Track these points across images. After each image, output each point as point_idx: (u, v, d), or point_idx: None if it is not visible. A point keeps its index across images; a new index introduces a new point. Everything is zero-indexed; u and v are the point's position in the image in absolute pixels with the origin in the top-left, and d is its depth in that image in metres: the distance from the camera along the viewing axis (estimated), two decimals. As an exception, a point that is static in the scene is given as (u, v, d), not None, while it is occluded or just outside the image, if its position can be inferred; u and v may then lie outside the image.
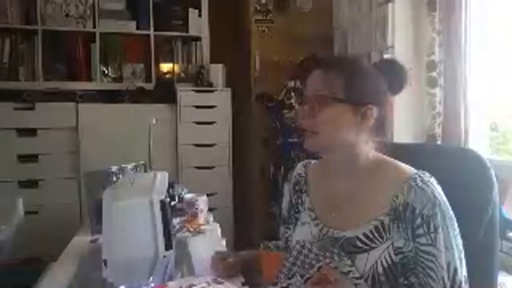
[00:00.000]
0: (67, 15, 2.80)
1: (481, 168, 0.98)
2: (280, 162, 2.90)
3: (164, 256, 0.96)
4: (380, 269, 0.87)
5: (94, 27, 2.84)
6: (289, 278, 0.97)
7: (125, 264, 0.96)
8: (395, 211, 0.88)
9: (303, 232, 1.00)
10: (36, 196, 2.54)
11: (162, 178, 1.09)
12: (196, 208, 1.74)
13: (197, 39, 3.06)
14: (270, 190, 2.99)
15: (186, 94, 2.83)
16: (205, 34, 3.06)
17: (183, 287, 1.06)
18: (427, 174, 0.89)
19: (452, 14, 2.00)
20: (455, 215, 0.87)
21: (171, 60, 3.04)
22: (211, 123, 2.88)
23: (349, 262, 0.89)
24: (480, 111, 2.03)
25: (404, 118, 2.14)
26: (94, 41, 2.84)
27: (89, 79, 2.86)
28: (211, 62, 3.04)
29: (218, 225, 1.78)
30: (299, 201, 1.07)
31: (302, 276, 0.95)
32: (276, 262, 1.01)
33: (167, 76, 3.01)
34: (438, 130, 2.09)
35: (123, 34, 2.93)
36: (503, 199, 1.57)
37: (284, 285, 0.98)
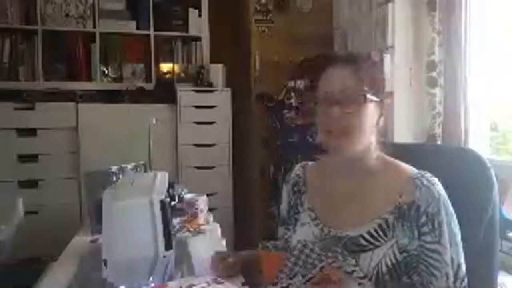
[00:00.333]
0: (67, 15, 2.80)
1: (481, 168, 0.98)
2: (280, 162, 2.90)
3: (164, 256, 0.96)
4: (384, 268, 0.87)
5: (94, 27, 2.84)
6: (291, 278, 0.97)
7: (125, 264, 0.96)
8: (400, 210, 0.88)
9: (303, 233, 1.00)
10: (36, 196, 2.54)
11: (162, 178, 1.09)
12: (196, 208, 1.74)
13: (197, 39, 3.06)
14: (270, 190, 2.99)
15: (186, 94, 2.83)
16: (205, 34, 3.06)
17: (183, 287, 1.06)
18: (430, 175, 0.90)
19: (452, 14, 2.00)
20: (455, 215, 0.88)
21: (171, 60, 3.04)
22: (211, 123, 2.88)
23: (353, 261, 0.89)
24: (480, 111, 2.03)
25: (404, 118, 2.14)
26: (94, 41, 2.84)
27: (89, 79, 2.86)
28: (211, 62, 3.04)
29: (218, 225, 1.78)
30: (298, 201, 1.07)
31: (304, 276, 0.95)
32: (276, 262, 1.01)
33: (167, 76, 3.01)
34: (438, 130, 2.09)
35: (123, 34, 2.93)
36: (503, 199, 1.57)
37: (284, 285, 0.98)
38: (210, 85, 2.92)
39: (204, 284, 1.08)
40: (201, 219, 1.74)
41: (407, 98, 2.16)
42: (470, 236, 0.90)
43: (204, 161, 2.86)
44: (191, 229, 1.66)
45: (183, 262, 1.30)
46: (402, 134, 2.11)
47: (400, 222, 0.88)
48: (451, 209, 0.87)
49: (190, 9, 3.03)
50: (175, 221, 1.67)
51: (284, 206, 1.13)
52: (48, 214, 2.55)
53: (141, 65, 2.98)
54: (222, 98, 2.90)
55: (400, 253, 0.87)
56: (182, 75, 3.03)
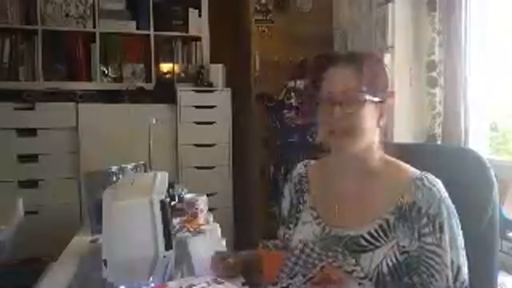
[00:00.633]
0: (67, 15, 2.80)
1: (481, 168, 0.98)
2: (280, 162, 2.90)
3: (164, 256, 0.96)
4: (385, 269, 0.86)
5: (94, 27, 2.84)
6: (291, 278, 0.97)
7: (125, 264, 0.96)
8: (400, 210, 0.88)
9: (304, 231, 1.00)
10: (36, 196, 2.54)
11: (162, 178, 1.09)
12: (196, 208, 1.74)
13: (197, 39, 3.06)
14: (270, 190, 2.99)
15: (186, 94, 2.83)
16: (205, 34, 3.05)
17: (183, 287, 1.06)
18: (432, 176, 0.89)
19: (452, 14, 2.00)
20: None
21: (171, 60, 3.04)
22: (211, 123, 2.88)
23: (353, 261, 0.89)
24: (480, 111, 2.03)
25: (404, 118, 2.14)
26: (94, 41, 2.84)
27: (89, 79, 2.86)
28: (211, 62, 3.04)
29: (218, 225, 1.78)
30: (300, 200, 1.07)
31: (304, 276, 0.95)
32: (276, 262, 1.01)
33: (167, 76, 3.01)
34: (438, 130, 2.09)
35: (123, 34, 2.93)
36: (503, 199, 1.57)
37: (284, 284, 0.98)
38: (210, 85, 2.92)
39: (204, 284, 1.08)
40: (201, 219, 1.74)
41: (407, 98, 2.15)
42: (470, 236, 0.90)
43: (204, 161, 2.86)
44: (191, 229, 1.66)
45: (183, 262, 1.30)
46: (402, 134, 2.11)
47: (401, 223, 0.87)
48: (453, 211, 0.87)
49: (190, 9, 3.03)
50: (175, 221, 1.67)
51: (285, 204, 1.13)
52: (48, 214, 2.55)
53: (141, 65, 2.97)
54: (222, 98, 2.90)
55: (401, 253, 0.87)
56: (182, 75, 3.03)
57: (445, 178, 0.90)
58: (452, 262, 0.84)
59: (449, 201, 0.87)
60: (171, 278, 1.11)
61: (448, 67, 2.05)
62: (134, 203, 0.97)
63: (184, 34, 3.03)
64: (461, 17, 1.98)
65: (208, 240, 1.58)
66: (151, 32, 2.94)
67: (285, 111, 2.84)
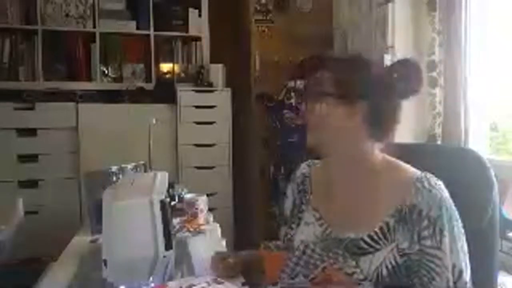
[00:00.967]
0: (67, 15, 2.80)
1: (481, 168, 0.98)
2: (280, 162, 2.90)
3: (164, 256, 0.96)
4: (384, 271, 0.86)
5: (94, 27, 2.84)
6: (292, 278, 0.97)
7: (125, 264, 0.96)
8: (401, 213, 0.87)
9: (306, 232, 1.00)
10: (36, 196, 2.54)
11: (162, 178, 1.09)
12: (196, 208, 1.74)
13: (197, 39, 3.06)
14: (270, 190, 2.99)
15: (186, 94, 2.83)
16: (205, 34, 3.06)
17: (183, 287, 1.06)
18: (434, 176, 0.89)
19: (452, 14, 2.00)
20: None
21: (171, 60, 3.04)
22: (211, 123, 2.88)
23: (353, 263, 0.89)
24: (480, 111, 2.04)
25: (404, 118, 2.13)
26: (94, 41, 2.84)
27: (89, 79, 2.86)
28: (211, 62, 3.04)
29: (218, 225, 1.78)
30: (303, 200, 1.06)
31: (305, 276, 0.95)
32: (278, 262, 1.01)
33: (167, 76, 3.01)
34: (438, 130, 2.09)
35: (123, 34, 2.93)
36: (503, 199, 1.57)
37: (285, 285, 0.98)
38: (210, 85, 2.92)
39: (204, 284, 1.08)
40: (201, 219, 1.74)
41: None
42: (470, 236, 0.89)
43: (204, 161, 2.86)
44: (191, 229, 1.66)
45: (183, 262, 1.30)
46: (402, 134, 2.10)
47: (401, 225, 0.87)
48: (455, 214, 0.86)
49: (190, 9, 3.03)
50: (175, 221, 1.67)
51: (288, 204, 1.12)
52: (48, 214, 2.55)
53: (141, 65, 2.97)
54: (222, 98, 2.90)
55: (401, 256, 0.86)
56: (182, 75, 3.03)
57: (445, 178, 0.89)
58: (454, 266, 0.84)
59: (450, 203, 0.86)
60: (171, 278, 1.11)
61: (448, 67, 2.05)
62: (134, 203, 0.97)
63: (184, 34, 3.03)
64: (461, 17, 1.98)
65: (208, 240, 1.58)
66: (151, 32, 2.94)
67: (285, 111, 2.84)
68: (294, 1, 3.09)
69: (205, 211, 1.80)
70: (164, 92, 2.84)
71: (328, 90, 0.93)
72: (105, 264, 0.95)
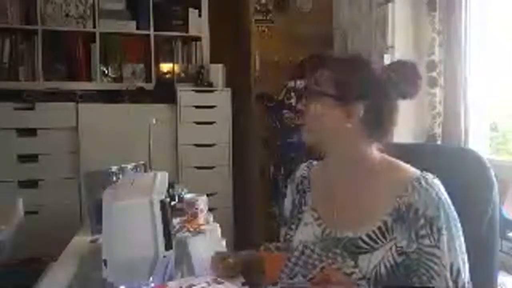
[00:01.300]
0: (67, 15, 2.80)
1: (481, 168, 0.98)
2: (280, 162, 2.90)
3: (164, 256, 0.96)
4: (383, 270, 0.86)
5: (94, 27, 2.84)
6: (291, 278, 0.97)
7: (125, 264, 0.96)
8: (398, 212, 0.87)
9: (305, 232, 1.00)
10: (36, 196, 2.54)
11: (162, 178, 1.09)
12: (196, 208, 1.74)
13: (197, 39, 3.06)
14: (270, 190, 2.99)
15: (186, 94, 2.83)
16: (205, 34, 3.06)
17: (183, 287, 1.06)
18: (431, 175, 0.89)
19: (452, 14, 2.00)
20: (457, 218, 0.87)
21: (171, 60, 3.04)
22: (211, 123, 2.88)
23: (352, 263, 0.89)
24: (480, 111, 2.03)
25: (404, 118, 2.13)
26: (94, 41, 2.84)
27: (89, 79, 2.86)
28: (211, 62, 3.04)
29: (218, 225, 1.78)
30: (302, 201, 1.07)
31: (304, 276, 0.95)
32: (278, 263, 1.01)
33: (167, 76, 3.01)
34: (438, 130, 2.09)
35: (123, 34, 2.93)
36: (503, 199, 1.57)
37: (285, 285, 0.98)
38: (210, 85, 2.92)
39: (204, 284, 1.08)
40: (201, 219, 1.74)
41: (407, 98, 2.15)
42: (470, 236, 0.89)
43: (204, 161, 2.86)
44: (191, 229, 1.66)
45: (183, 262, 1.30)
46: (402, 134, 2.10)
47: (399, 224, 0.87)
48: (453, 213, 0.86)
49: (190, 9, 3.03)
50: (175, 221, 1.67)
51: (287, 205, 1.13)
52: (48, 214, 2.55)
53: (141, 65, 2.98)
54: (222, 98, 2.90)
55: (399, 255, 0.86)
56: (182, 75, 3.03)
57: (445, 178, 0.90)
58: (452, 264, 0.84)
59: (448, 202, 0.86)
60: (171, 278, 1.12)
61: (448, 67, 2.05)
62: (134, 203, 0.97)
63: (184, 34, 3.03)
64: (461, 17, 1.98)
65: (208, 240, 1.58)
66: (151, 32, 2.94)
67: (285, 111, 2.84)
68: (294, 1, 3.09)
69: (205, 211, 1.80)
70: (164, 92, 2.84)
71: (325, 90, 0.93)
72: (105, 264, 0.95)
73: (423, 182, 0.87)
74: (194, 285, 1.07)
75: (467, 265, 0.86)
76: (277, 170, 2.91)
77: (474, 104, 2.01)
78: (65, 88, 2.73)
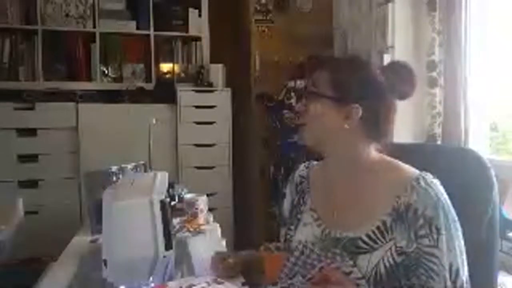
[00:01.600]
0: (67, 15, 2.80)
1: (481, 168, 0.98)
2: (280, 162, 2.90)
3: (164, 256, 0.96)
4: (382, 270, 0.86)
5: (94, 27, 2.84)
6: (290, 278, 0.97)
7: (125, 264, 0.96)
8: (397, 212, 0.87)
9: (305, 233, 1.00)
10: (36, 196, 2.54)
11: (162, 178, 1.09)
12: (196, 208, 1.74)
13: (197, 39, 3.07)
14: (270, 190, 2.99)
15: (186, 94, 2.83)
16: (205, 34, 3.06)
17: (183, 287, 1.06)
18: (430, 175, 0.89)
19: (452, 14, 2.00)
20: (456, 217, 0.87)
21: (171, 60, 3.04)
22: (211, 123, 2.88)
23: (351, 262, 0.89)
24: (480, 111, 2.03)
25: (404, 118, 2.14)
26: (94, 41, 2.84)
27: (89, 79, 2.86)
28: (211, 62, 3.04)
29: (218, 225, 1.78)
30: (301, 201, 1.07)
31: (303, 276, 0.95)
32: (278, 263, 1.01)
33: (167, 76, 3.01)
34: (438, 130, 2.09)
35: (123, 34, 2.93)
36: (503, 199, 1.57)
37: (284, 285, 0.98)
38: (210, 85, 2.92)
39: (204, 284, 1.08)
40: (201, 219, 1.74)
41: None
42: (470, 236, 0.89)
43: (204, 161, 2.86)
44: (191, 229, 1.66)
45: (183, 262, 1.30)
46: (402, 134, 2.10)
47: (398, 224, 0.87)
48: (452, 213, 0.86)
49: (190, 9, 3.03)
50: (175, 221, 1.67)
51: (286, 205, 1.13)
52: (48, 214, 2.55)
53: (141, 65, 2.98)
54: (222, 98, 2.90)
55: (398, 255, 0.87)
56: (182, 75, 3.03)
57: (445, 178, 0.90)
58: (451, 264, 0.84)
59: (447, 202, 0.86)
60: (171, 278, 1.12)
61: (448, 67, 2.05)
62: (134, 203, 0.97)
63: (184, 34, 3.03)
64: (461, 17, 1.98)
65: (208, 240, 1.58)
66: (151, 32, 2.94)
67: (285, 111, 2.84)
68: (294, 1, 3.09)
69: (205, 211, 1.80)
70: (164, 92, 2.84)
71: (323, 91, 0.94)
72: (105, 264, 0.95)
73: (422, 182, 0.87)
74: (194, 285, 1.07)
75: (466, 266, 0.86)
76: (277, 170, 2.91)
77: (474, 104, 2.01)
78: (65, 88, 2.73)
